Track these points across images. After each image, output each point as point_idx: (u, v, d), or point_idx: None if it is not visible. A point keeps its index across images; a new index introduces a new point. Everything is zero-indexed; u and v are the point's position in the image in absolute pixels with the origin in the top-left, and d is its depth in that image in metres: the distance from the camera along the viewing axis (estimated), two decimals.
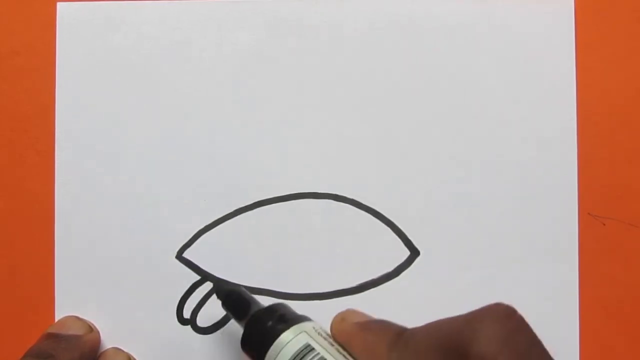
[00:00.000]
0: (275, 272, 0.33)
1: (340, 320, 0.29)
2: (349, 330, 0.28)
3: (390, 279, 0.33)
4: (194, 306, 0.33)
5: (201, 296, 0.33)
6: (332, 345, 0.27)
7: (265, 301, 0.33)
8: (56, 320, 0.33)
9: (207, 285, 0.33)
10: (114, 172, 0.33)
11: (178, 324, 0.33)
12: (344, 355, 0.27)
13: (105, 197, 0.33)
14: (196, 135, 0.34)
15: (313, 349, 0.27)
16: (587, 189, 0.33)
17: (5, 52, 0.34)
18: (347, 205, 0.33)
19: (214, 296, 0.33)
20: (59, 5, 0.34)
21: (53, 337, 0.31)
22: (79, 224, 0.33)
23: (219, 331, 0.33)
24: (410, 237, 0.33)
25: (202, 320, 0.33)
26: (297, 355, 0.27)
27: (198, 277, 0.33)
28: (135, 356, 0.33)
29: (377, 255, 0.33)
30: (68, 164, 0.34)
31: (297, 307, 0.32)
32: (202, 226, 0.33)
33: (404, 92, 0.34)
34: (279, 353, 0.27)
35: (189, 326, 0.33)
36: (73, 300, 0.33)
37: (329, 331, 0.28)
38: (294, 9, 0.34)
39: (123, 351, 0.32)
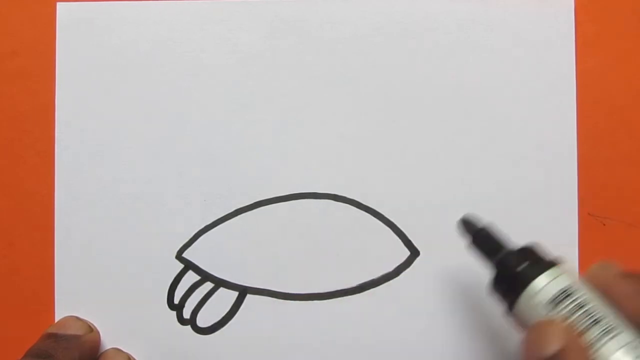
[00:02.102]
0: (275, 272, 0.33)
1: (601, 267, 0.27)
2: (611, 278, 0.26)
3: (390, 279, 0.33)
4: (194, 306, 0.33)
5: (201, 296, 0.33)
6: (592, 291, 0.25)
7: (265, 301, 0.33)
8: (56, 320, 0.33)
9: (207, 285, 0.33)
10: (114, 172, 0.33)
11: (178, 324, 0.33)
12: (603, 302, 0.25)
13: (106, 197, 0.33)
14: (196, 135, 0.34)
15: (571, 293, 0.25)
16: (587, 189, 0.33)
17: (5, 52, 0.34)
18: (347, 205, 0.33)
19: (214, 296, 0.33)
20: (59, 5, 0.34)
21: (53, 337, 0.31)
22: (79, 224, 0.33)
23: (218, 331, 0.33)
24: (410, 237, 0.33)
25: (202, 320, 0.33)
26: (553, 300, 0.25)
27: (198, 277, 0.33)
28: (135, 356, 0.33)
29: (377, 255, 0.33)
30: (68, 164, 0.34)
31: (296, 307, 0.32)
32: (202, 226, 0.33)
33: (403, 92, 0.34)
34: (533, 298, 0.25)
35: (189, 326, 0.33)
36: (73, 300, 0.33)
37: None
38: (294, 9, 0.34)
39: (123, 351, 0.32)
